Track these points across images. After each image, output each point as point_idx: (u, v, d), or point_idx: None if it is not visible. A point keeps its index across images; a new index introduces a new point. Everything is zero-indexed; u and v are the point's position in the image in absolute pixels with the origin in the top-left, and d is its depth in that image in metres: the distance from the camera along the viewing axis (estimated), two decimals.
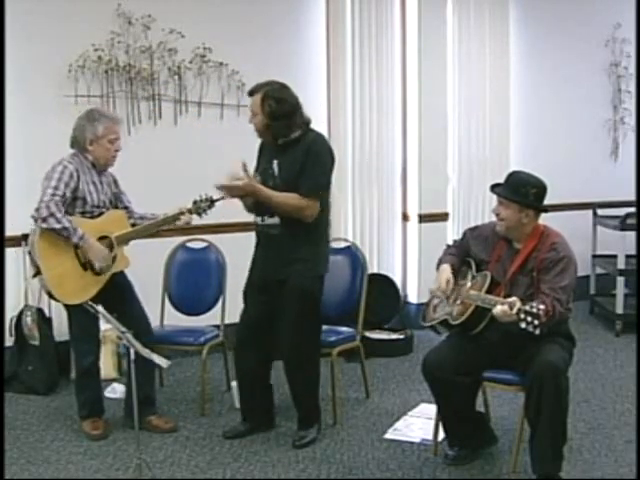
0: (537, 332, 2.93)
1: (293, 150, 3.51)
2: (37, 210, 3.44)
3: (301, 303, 3.57)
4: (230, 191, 3.50)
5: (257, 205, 3.58)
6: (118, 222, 3.68)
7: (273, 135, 3.52)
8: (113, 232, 3.63)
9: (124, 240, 3.67)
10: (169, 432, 3.80)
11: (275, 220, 3.55)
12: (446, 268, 3.42)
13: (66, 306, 3.72)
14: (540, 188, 3.30)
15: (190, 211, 3.73)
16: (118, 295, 3.71)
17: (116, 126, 3.68)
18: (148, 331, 3.78)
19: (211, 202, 3.72)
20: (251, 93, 3.55)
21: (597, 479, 3.35)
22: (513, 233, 3.33)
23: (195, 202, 3.73)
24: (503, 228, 3.33)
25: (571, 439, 3.46)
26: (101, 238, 3.59)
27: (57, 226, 3.44)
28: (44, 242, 3.50)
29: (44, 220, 3.43)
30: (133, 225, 3.76)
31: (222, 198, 3.62)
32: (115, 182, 3.82)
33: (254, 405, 3.82)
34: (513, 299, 3.02)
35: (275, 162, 3.56)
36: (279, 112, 3.47)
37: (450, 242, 3.70)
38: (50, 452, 3.63)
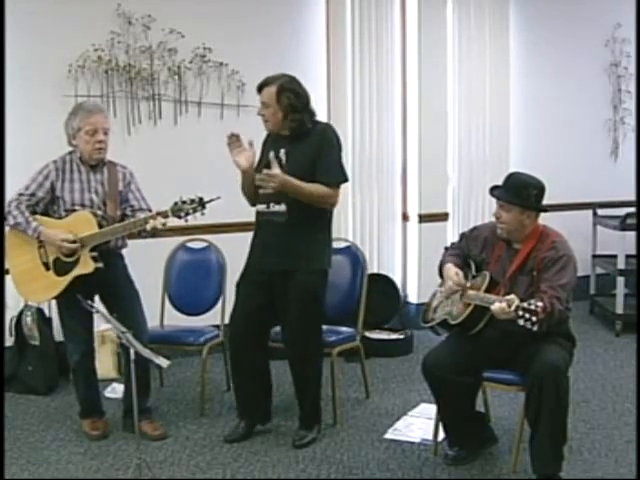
0: (535, 329, 2.92)
1: (302, 141, 3.51)
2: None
3: (307, 300, 3.56)
4: (269, 181, 3.41)
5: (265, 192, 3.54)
6: (84, 223, 3.53)
7: (289, 128, 3.51)
8: (79, 233, 3.52)
9: (90, 241, 3.50)
10: (157, 439, 3.73)
11: (282, 207, 3.52)
12: (451, 266, 3.41)
13: (57, 306, 3.75)
14: (540, 189, 3.30)
15: (165, 214, 3.45)
16: (112, 295, 3.70)
17: (93, 117, 3.55)
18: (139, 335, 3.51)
19: (200, 204, 3.43)
20: (263, 85, 3.53)
21: (597, 479, 3.35)
22: (514, 235, 3.33)
23: (176, 203, 3.45)
24: (505, 232, 3.33)
25: (571, 439, 3.45)
26: None
27: (11, 222, 3.57)
28: (10, 240, 3.65)
29: (5, 219, 3.58)
30: None
31: (216, 198, 3.43)
32: (124, 179, 3.69)
33: (252, 401, 3.79)
34: (511, 296, 3.02)
35: (282, 151, 3.54)
36: (298, 105, 3.48)
37: (448, 244, 3.69)
38: (50, 452, 3.63)
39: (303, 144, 3.52)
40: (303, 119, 3.51)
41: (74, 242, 3.51)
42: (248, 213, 3.75)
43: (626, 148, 6.53)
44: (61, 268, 3.57)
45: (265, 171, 3.44)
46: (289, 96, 3.47)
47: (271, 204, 3.55)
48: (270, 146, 3.63)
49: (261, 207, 3.62)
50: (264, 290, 3.61)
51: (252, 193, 3.64)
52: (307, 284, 3.55)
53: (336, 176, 3.54)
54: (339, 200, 3.64)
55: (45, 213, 3.64)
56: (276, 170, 3.43)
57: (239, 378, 3.78)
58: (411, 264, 5.82)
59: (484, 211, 5.76)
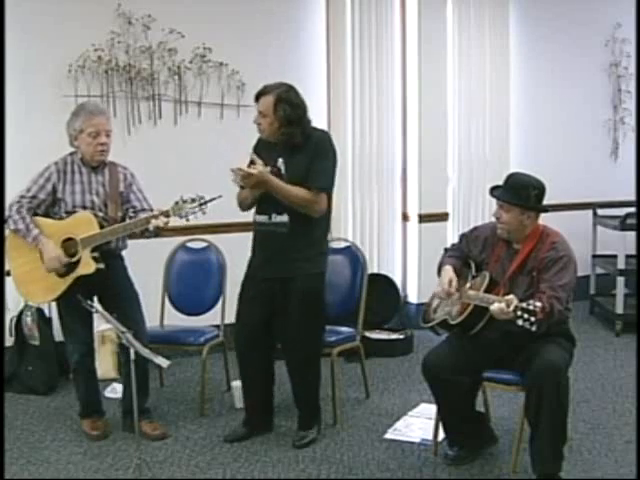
0: (534, 329, 2.92)
1: (299, 150, 3.50)
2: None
3: (307, 303, 3.56)
4: (244, 178, 3.42)
5: (264, 202, 3.53)
6: (85, 224, 3.51)
7: (286, 139, 3.49)
8: (79, 234, 3.51)
9: (90, 242, 3.49)
10: (157, 439, 3.72)
11: (284, 218, 3.50)
12: (448, 269, 3.42)
13: (57, 306, 3.74)
14: (540, 189, 3.30)
15: (166, 214, 3.44)
16: (111, 296, 3.69)
17: (95, 119, 3.53)
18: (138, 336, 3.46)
19: (201, 203, 3.43)
20: (261, 94, 3.51)
21: (597, 479, 3.35)
22: (514, 235, 3.33)
23: (177, 202, 3.44)
24: (505, 232, 3.33)
25: (571, 439, 3.45)
26: (67, 240, 3.54)
27: (12, 227, 3.57)
28: (11, 242, 3.64)
29: (5, 222, 3.58)
30: None
31: (218, 197, 3.45)
32: (125, 180, 3.69)
33: (257, 406, 3.80)
34: (510, 297, 3.03)
35: (280, 160, 3.53)
36: (294, 117, 3.46)
37: (448, 246, 3.69)
38: (50, 452, 3.63)
39: (300, 153, 3.50)
40: (295, 132, 3.47)
41: (70, 261, 3.52)
42: (248, 213, 3.75)
43: (626, 148, 6.53)
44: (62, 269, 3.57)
45: (244, 169, 3.41)
46: (285, 108, 3.44)
47: (273, 215, 3.52)
48: (264, 153, 3.58)
49: (262, 218, 3.58)
50: (267, 300, 3.61)
51: (248, 206, 3.64)
52: (309, 287, 3.56)
53: (320, 182, 3.50)
54: (333, 206, 3.63)
55: (46, 214, 3.63)
56: (258, 168, 3.41)
57: (246, 387, 3.80)
58: (411, 264, 5.82)
59: (484, 211, 5.76)
